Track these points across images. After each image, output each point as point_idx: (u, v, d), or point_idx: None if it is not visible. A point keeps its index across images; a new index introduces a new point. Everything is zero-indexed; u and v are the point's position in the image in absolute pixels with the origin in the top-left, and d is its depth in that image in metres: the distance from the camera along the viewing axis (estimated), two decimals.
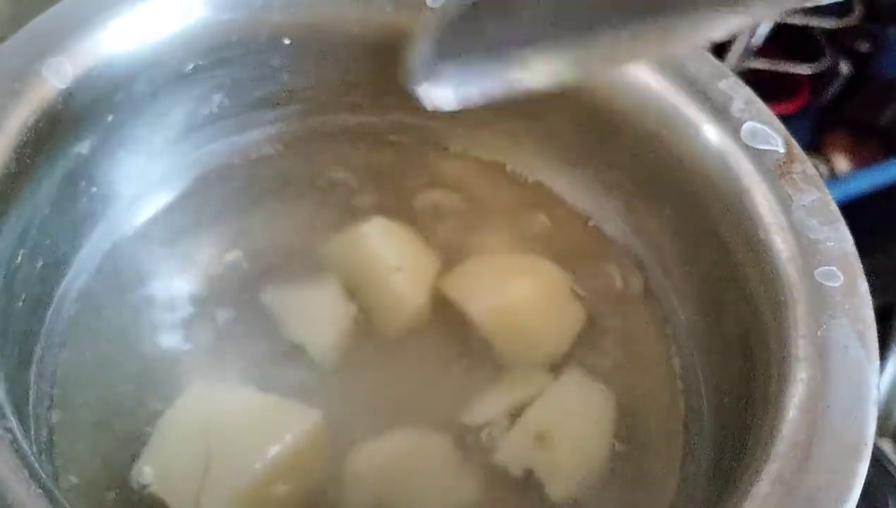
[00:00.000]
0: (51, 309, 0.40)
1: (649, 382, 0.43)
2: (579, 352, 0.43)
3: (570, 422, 0.41)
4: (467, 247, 0.47)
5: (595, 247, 0.47)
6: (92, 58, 0.38)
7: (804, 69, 0.73)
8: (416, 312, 0.44)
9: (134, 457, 0.38)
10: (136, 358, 0.41)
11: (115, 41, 0.39)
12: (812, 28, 0.74)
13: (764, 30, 0.71)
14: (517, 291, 0.44)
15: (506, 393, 0.42)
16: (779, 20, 0.70)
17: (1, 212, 0.35)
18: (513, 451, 0.40)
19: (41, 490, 0.28)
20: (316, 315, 0.44)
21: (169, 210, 0.46)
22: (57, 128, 0.37)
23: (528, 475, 0.40)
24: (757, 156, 0.39)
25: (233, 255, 0.46)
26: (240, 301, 0.44)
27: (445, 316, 0.44)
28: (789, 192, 0.38)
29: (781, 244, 0.37)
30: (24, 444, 0.30)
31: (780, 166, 0.38)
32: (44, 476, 0.29)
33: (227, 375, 0.42)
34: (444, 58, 0.33)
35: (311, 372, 0.42)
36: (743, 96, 0.40)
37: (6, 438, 0.29)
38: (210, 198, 0.47)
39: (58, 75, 0.37)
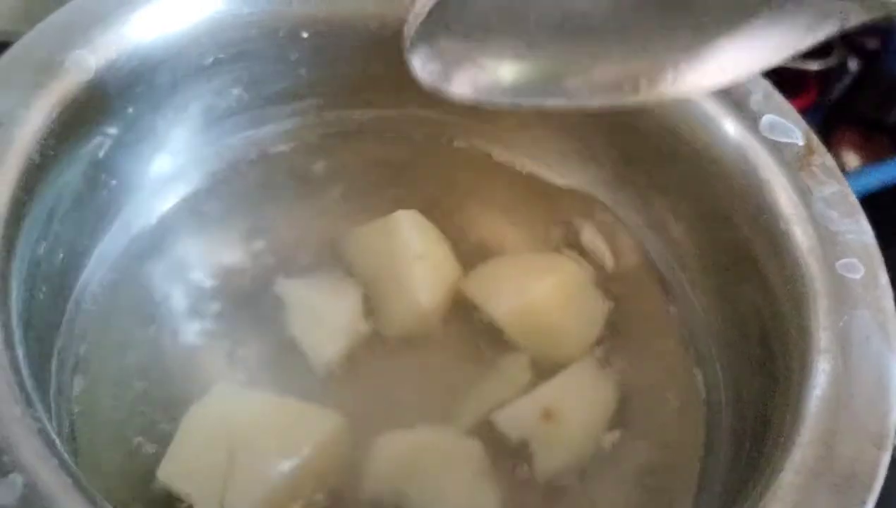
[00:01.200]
0: (70, 300, 0.40)
1: (667, 375, 0.43)
2: (598, 347, 0.43)
3: (580, 406, 0.41)
4: (487, 244, 0.47)
5: (612, 242, 0.47)
6: (115, 50, 0.38)
7: (812, 66, 0.73)
8: (431, 310, 0.44)
9: (154, 449, 0.38)
10: (153, 351, 0.42)
11: (138, 33, 0.39)
12: None
13: None
14: (540, 290, 0.44)
15: (526, 390, 0.42)
16: None
17: (24, 203, 0.35)
18: (516, 420, 0.40)
19: (71, 480, 0.28)
20: (331, 311, 0.43)
21: (186, 204, 0.46)
22: (80, 120, 0.37)
23: (524, 445, 0.40)
24: (776, 148, 0.39)
25: (249, 250, 0.46)
26: (256, 295, 0.44)
27: (464, 316, 0.44)
28: (809, 185, 0.38)
29: (801, 236, 0.37)
30: (53, 434, 0.30)
31: (799, 159, 0.38)
32: (73, 465, 0.29)
33: (242, 370, 0.42)
34: (440, 33, 0.32)
35: (326, 368, 0.42)
36: (761, 89, 0.40)
37: (34, 427, 0.29)
38: (227, 193, 0.47)
39: (81, 67, 0.37)
